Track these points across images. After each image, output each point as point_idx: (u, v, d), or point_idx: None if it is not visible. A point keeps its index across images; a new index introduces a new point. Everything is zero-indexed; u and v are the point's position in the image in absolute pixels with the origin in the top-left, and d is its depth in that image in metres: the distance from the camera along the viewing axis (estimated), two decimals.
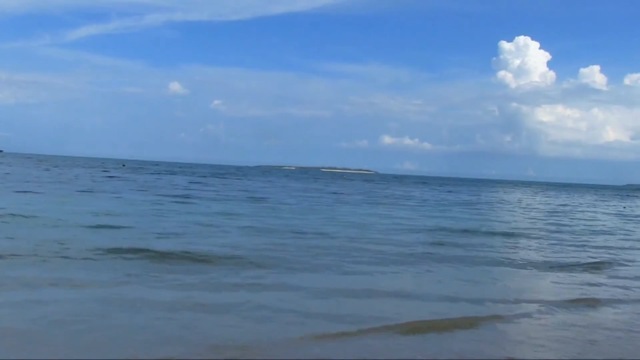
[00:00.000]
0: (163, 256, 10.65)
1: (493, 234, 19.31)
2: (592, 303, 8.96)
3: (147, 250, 11.02)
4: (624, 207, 47.48)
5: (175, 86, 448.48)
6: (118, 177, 50.02)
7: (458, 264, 12.05)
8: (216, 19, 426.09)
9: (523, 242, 17.46)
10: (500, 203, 46.66)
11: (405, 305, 8.29)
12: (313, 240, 14.49)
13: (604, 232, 22.35)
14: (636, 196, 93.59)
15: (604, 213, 37.75)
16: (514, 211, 35.65)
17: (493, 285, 10.44)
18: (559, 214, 33.19)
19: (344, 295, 8.59)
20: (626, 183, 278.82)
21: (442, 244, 15.12)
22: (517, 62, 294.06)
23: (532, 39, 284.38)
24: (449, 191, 65.97)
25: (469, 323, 7.36)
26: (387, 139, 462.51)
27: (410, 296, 8.86)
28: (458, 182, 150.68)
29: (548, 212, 35.72)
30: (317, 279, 9.80)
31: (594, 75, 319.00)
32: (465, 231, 19.26)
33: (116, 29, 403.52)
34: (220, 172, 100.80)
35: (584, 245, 16.99)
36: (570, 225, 24.63)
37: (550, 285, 10.66)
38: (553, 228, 22.69)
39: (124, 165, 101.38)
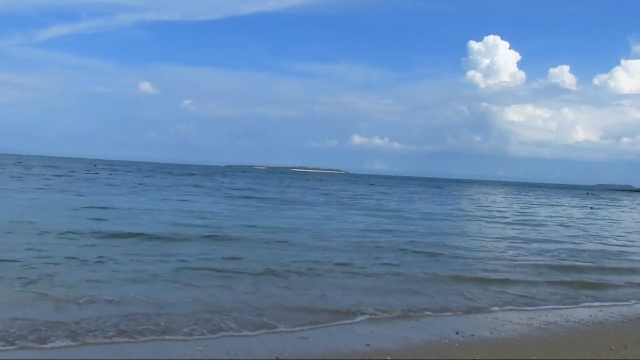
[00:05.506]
0: None
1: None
2: None
3: None
4: (591, 208, 49.38)
5: (145, 86, 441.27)
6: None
7: None
8: (187, 19, 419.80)
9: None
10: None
11: None
12: None
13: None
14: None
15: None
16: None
17: None
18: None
19: None
20: (596, 183, 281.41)
21: None
22: (486, 62, 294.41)
23: (502, 38, 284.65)
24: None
25: None
26: (357, 139, 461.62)
27: None
28: (417, 182, 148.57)
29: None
30: None
31: (563, 75, 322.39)
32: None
33: (87, 29, 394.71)
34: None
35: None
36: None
37: None
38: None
39: (95, 165, 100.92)
